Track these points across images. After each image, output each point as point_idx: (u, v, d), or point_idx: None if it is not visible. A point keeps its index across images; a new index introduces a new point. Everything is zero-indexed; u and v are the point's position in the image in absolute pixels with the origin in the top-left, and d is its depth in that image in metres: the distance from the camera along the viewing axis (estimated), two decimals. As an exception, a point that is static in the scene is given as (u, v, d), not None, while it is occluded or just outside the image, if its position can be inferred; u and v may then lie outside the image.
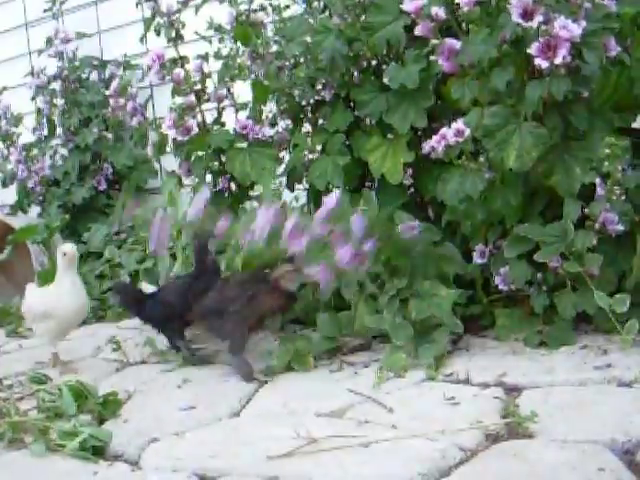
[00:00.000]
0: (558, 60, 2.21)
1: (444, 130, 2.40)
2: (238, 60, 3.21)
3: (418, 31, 2.48)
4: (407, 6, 2.46)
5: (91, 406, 2.26)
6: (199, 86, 3.14)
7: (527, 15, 2.25)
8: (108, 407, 2.26)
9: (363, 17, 2.92)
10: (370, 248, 2.48)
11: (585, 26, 2.23)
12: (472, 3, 2.36)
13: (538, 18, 2.24)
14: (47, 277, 3.90)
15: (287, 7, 3.34)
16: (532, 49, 2.25)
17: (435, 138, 2.40)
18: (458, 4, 2.40)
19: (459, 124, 2.39)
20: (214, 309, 2.60)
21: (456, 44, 2.43)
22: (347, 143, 3.03)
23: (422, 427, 1.90)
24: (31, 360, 3.00)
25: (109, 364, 2.89)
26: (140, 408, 2.32)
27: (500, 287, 2.56)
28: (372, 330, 2.64)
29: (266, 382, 2.45)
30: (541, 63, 2.23)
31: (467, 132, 2.38)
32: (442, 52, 2.46)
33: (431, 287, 2.52)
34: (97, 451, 1.99)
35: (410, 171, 2.90)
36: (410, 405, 2.10)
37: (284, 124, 3.31)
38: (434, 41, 2.45)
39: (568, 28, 2.20)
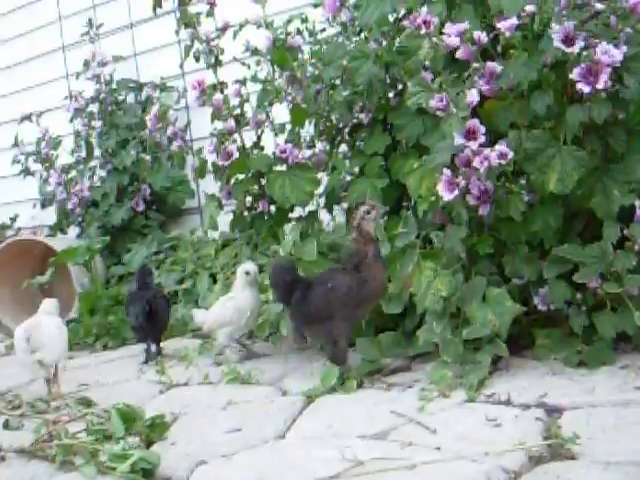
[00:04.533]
0: (600, 85, 2.24)
1: (487, 152, 2.41)
2: (275, 83, 3.25)
3: (459, 54, 2.50)
4: (449, 30, 2.48)
5: (139, 429, 2.29)
6: (238, 111, 3.19)
7: (568, 41, 2.28)
8: (155, 430, 2.29)
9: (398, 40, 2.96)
10: None
11: (625, 51, 2.26)
12: (513, 28, 2.39)
13: (579, 44, 2.27)
14: (88, 298, 3.97)
15: (323, 30, 3.39)
16: (574, 74, 2.27)
17: (477, 159, 2.42)
18: (498, 29, 2.43)
19: (502, 147, 2.40)
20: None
21: (497, 67, 2.46)
22: (384, 165, 3.06)
23: (466, 449, 1.92)
24: (75, 382, 3.05)
25: (153, 386, 2.93)
26: (186, 430, 2.35)
27: (539, 307, 2.58)
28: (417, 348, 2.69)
29: (309, 403, 2.48)
30: (583, 88, 2.26)
31: (510, 155, 2.39)
32: (483, 75, 2.48)
33: (499, 295, 2.55)
34: (146, 474, 2.02)
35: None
36: (453, 426, 2.11)
37: (322, 146, 3.35)
38: (475, 64, 2.48)
39: (610, 54, 2.23)
